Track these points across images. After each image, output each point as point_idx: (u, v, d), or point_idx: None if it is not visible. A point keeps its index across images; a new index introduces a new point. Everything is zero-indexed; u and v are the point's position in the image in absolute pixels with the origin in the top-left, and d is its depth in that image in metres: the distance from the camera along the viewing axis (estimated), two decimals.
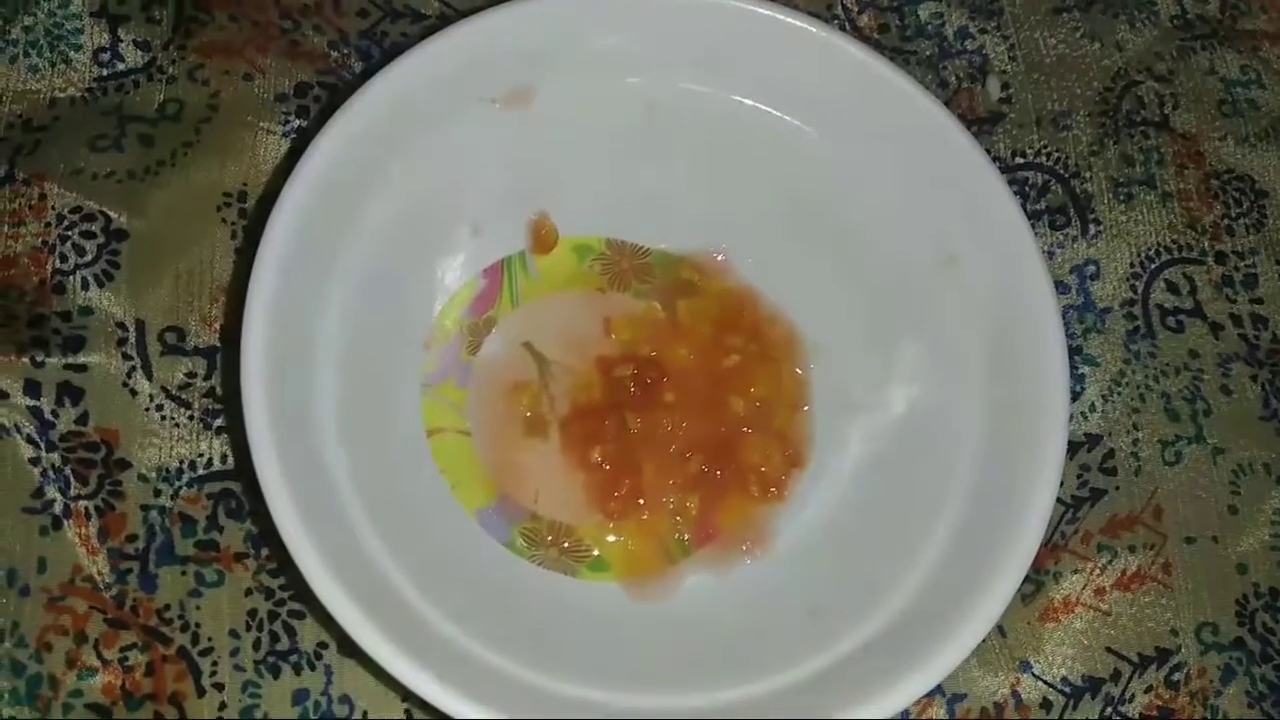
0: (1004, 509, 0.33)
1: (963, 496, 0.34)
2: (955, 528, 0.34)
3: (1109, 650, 0.37)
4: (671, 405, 0.38)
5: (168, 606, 0.34)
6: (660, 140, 0.38)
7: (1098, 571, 0.38)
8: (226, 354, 0.37)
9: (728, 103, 0.37)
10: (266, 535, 0.35)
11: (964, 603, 0.32)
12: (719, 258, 0.39)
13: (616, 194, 0.39)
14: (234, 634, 0.34)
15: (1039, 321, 0.34)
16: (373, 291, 0.35)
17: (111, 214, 0.38)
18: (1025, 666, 0.37)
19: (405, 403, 0.36)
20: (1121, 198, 0.43)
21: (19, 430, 0.35)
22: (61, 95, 0.40)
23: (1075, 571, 0.38)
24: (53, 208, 0.38)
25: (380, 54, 0.41)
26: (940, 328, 0.36)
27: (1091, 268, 0.42)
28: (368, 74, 0.40)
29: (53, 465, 0.35)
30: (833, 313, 0.38)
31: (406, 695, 0.35)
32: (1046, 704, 0.37)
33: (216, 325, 0.37)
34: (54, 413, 0.35)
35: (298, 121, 0.40)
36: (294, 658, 0.34)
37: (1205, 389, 0.41)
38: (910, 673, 0.31)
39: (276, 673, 0.34)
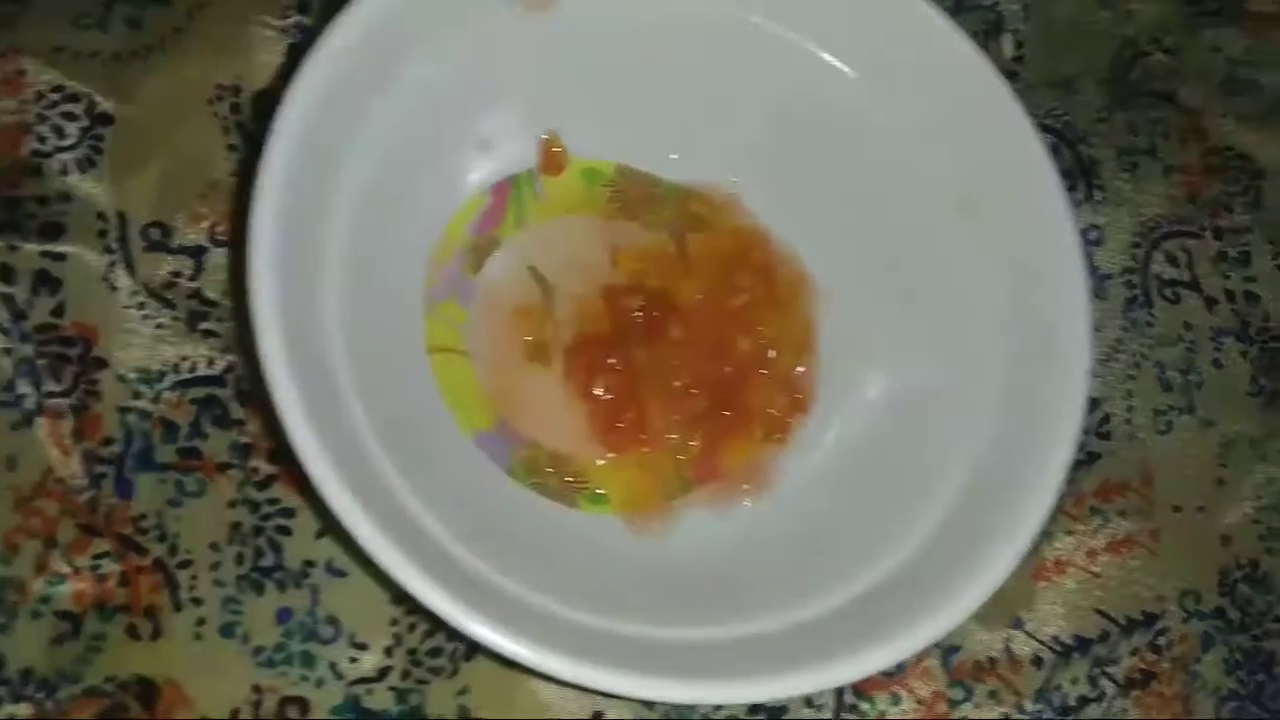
0: (1019, 464, 0.34)
1: (975, 450, 0.35)
2: (966, 480, 0.34)
3: (1098, 612, 0.39)
4: (678, 341, 0.38)
5: (144, 515, 0.34)
6: (683, 63, 0.38)
7: (1090, 534, 0.40)
8: (216, 254, 0.36)
9: (758, 30, 0.37)
10: (257, 448, 0.35)
11: (975, 555, 0.33)
12: (731, 193, 0.40)
13: (631, 118, 0.39)
14: (215, 547, 0.34)
15: (1062, 272, 0.35)
16: (377, 198, 0.34)
17: (96, 97, 0.36)
18: (1018, 623, 0.38)
19: (407, 317, 0.36)
20: (1126, 166, 0.44)
21: None
22: None
23: (1068, 533, 0.40)
24: (31, 84, 0.36)
25: None
26: (957, 277, 0.37)
27: (1094, 233, 0.43)
28: None
29: (25, 358, 0.34)
30: (846, 257, 0.39)
31: (395, 619, 0.34)
32: (1038, 661, 0.38)
33: (205, 224, 0.36)
34: (28, 302, 0.34)
35: (297, 17, 0.39)
36: (278, 575, 0.34)
37: (1198, 361, 0.43)
38: (916, 622, 0.32)
39: (260, 589, 0.34)
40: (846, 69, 0.37)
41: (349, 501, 0.29)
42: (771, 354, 0.38)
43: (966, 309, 0.37)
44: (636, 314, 0.38)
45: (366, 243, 0.34)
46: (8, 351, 0.34)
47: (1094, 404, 0.41)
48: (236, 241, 0.36)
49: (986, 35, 0.45)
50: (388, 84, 0.34)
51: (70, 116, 0.36)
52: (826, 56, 0.37)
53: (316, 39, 0.32)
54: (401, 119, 0.35)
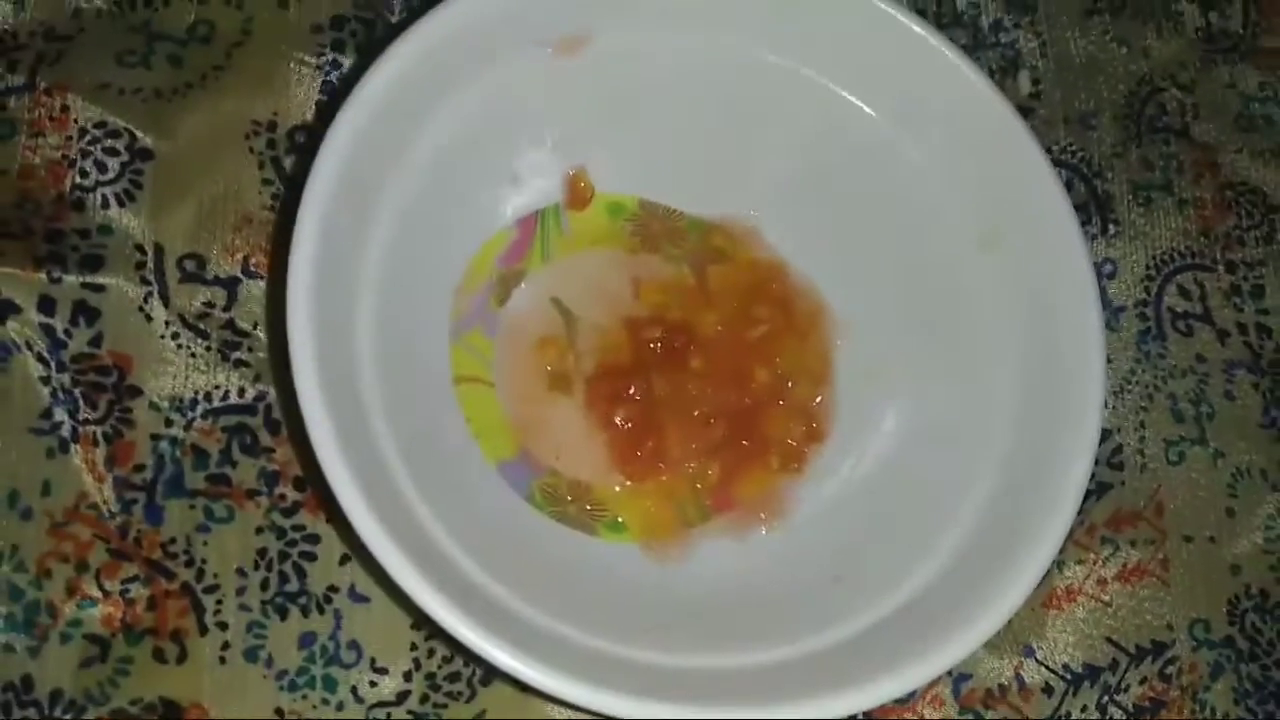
0: (1033, 495, 0.31)
1: (990, 480, 0.32)
2: (981, 510, 0.32)
3: (1108, 640, 0.36)
4: (697, 371, 0.35)
5: (173, 540, 0.32)
6: (706, 102, 0.36)
7: (1100, 563, 0.37)
8: (249, 285, 0.34)
9: (781, 70, 0.35)
10: (285, 475, 0.33)
11: (989, 585, 0.30)
12: (751, 226, 0.37)
13: (655, 154, 0.36)
14: (241, 572, 0.32)
15: (1077, 306, 0.33)
16: (409, 232, 0.32)
17: (137, 132, 0.35)
18: (1029, 651, 0.35)
19: (434, 347, 0.33)
20: (1140, 201, 0.41)
21: (30, 347, 0.32)
22: (86, 6, 0.36)
23: (1079, 562, 0.37)
24: (75, 121, 0.34)
25: None
26: (974, 310, 0.34)
27: (1109, 266, 0.40)
28: (410, 10, 0.38)
29: (62, 386, 0.32)
30: (864, 289, 0.36)
31: (414, 644, 0.32)
32: (1048, 689, 0.35)
33: (239, 256, 0.34)
34: (67, 332, 0.32)
35: (333, 54, 0.37)
36: (302, 600, 0.32)
37: (1210, 393, 0.40)
38: (930, 650, 0.29)
39: (284, 614, 0.32)
40: (867, 108, 0.35)
41: (376, 529, 0.27)
42: (789, 384, 0.36)
43: (983, 341, 0.34)
44: (657, 345, 0.36)
45: (398, 276, 0.32)
46: (45, 380, 0.32)
47: (1106, 434, 0.38)
48: (270, 273, 0.34)
49: (1004, 72, 0.42)
50: (424, 122, 0.32)
51: (112, 152, 0.34)
52: (848, 96, 0.35)
53: (357, 80, 0.30)
54: (435, 156, 0.33)
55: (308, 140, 0.36)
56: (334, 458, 0.27)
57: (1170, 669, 0.36)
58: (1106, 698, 0.36)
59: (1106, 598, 0.37)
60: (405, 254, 0.32)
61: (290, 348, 0.27)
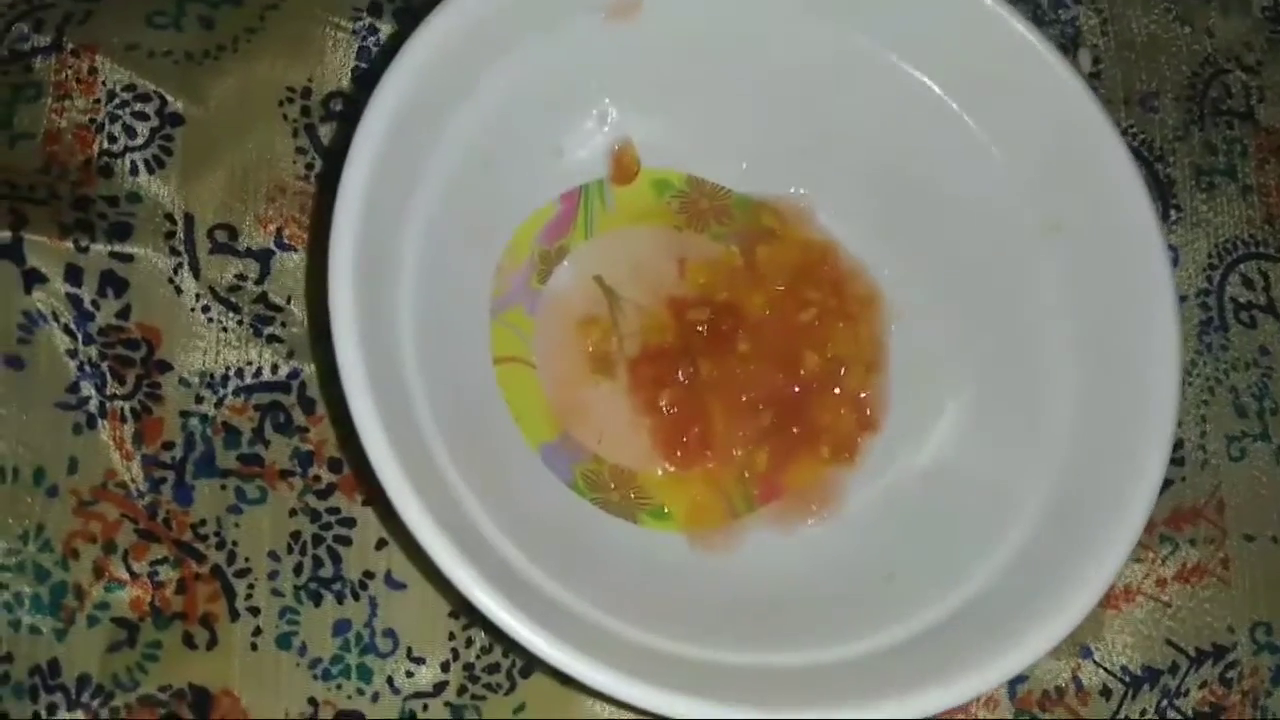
0: (1099, 498, 0.30)
1: (1053, 479, 0.31)
2: (1042, 512, 0.31)
3: (1168, 642, 0.35)
4: (745, 355, 0.34)
5: (203, 521, 0.31)
6: (759, 76, 0.34)
7: (1159, 562, 0.36)
8: (282, 258, 0.33)
9: (842, 44, 0.33)
10: (319, 455, 0.32)
11: (1051, 591, 0.29)
12: (802, 205, 0.36)
13: (704, 128, 0.35)
14: (274, 556, 0.31)
15: (1151, 297, 0.31)
16: (451, 206, 0.31)
17: (168, 96, 0.33)
18: (1086, 652, 0.34)
19: (475, 326, 0.32)
20: (1203, 186, 0.40)
21: (57, 318, 0.31)
22: None
23: (1138, 560, 0.35)
24: (103, 83, 0.33)
25: None
26: (1037, 299, 0.33)
27: (1170, 254, 0.39)
28: None
29: (89, 359, 0.31)
30: (920, 273, 0.35)
31: (453, 633, 0.31)
32: (1106, 691, 0.34)
33: (272, 227, 0.33)
34: (94, 303, 0.31)
35: (369, 19, 0.36)
36: (337, 586, 0.31)
37: (1273, 387, 0.38)
38: (989, 659, 0.28)
39: (318, 600, 0.31)
40: (932, 84, 0.33)
41: (420, 512, 0.26)
42: (841, 371, 0.35)
43: (1046, 332, 0.33)
44: (703, 327, 0.34)
45: (439, 251, 0.31)
46: (72, 353, 0.31)
47: None
48: (310, 247, 0.33)
49: (1064, 50, 0.40)
50: (469, 91, 0.31)
51: (141, 116, 0.33)
52: (912, 71, 0.33)
53: (397, 48, 0.29)
54: (480, 126, 0.32)
55: (344, 108, 0.35)
56: (377, 436, 0.26)
57: (1231, 673, 0.35)
58: (1166, 701, 0.34)
59: (1166, 598, 0.35)
60: (446, 228, 0.31)
61: (332, 324, 0.26)
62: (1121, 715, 0.34)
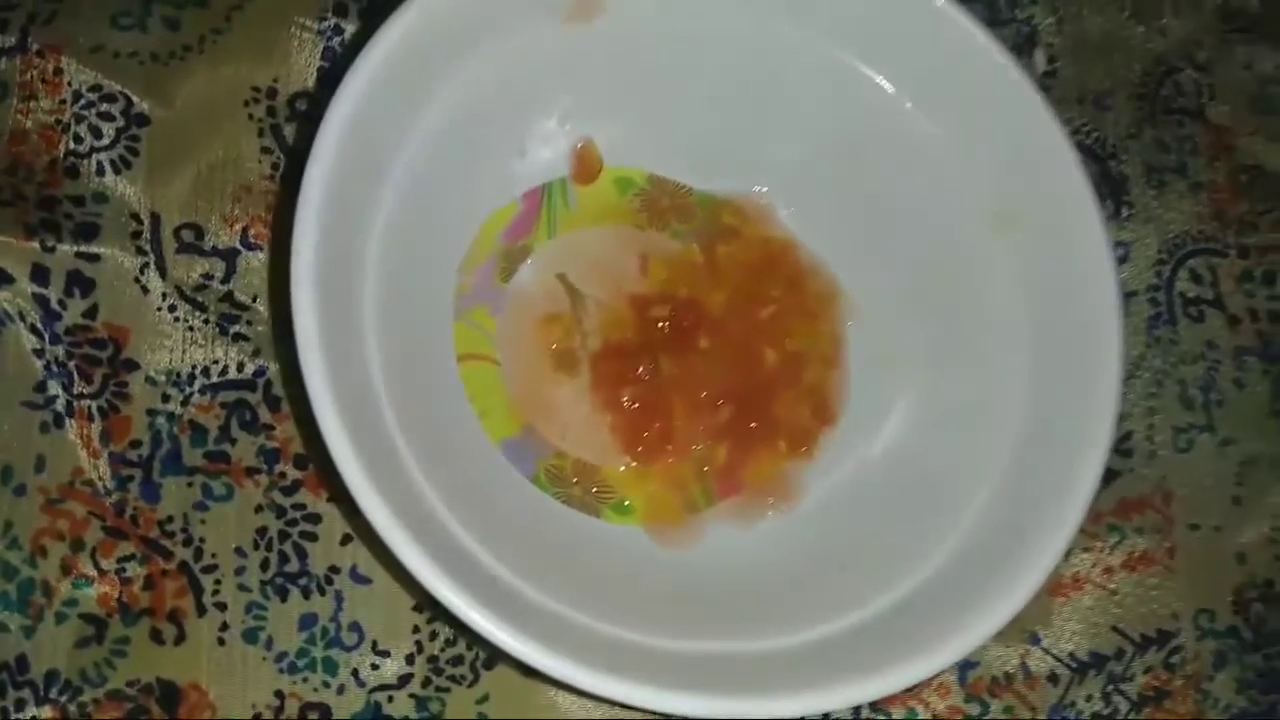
0: (1045, 484, 0.31)
1: (1001, 468, 0.32)
2: (991, 499, 0.31)
3: (1114, 629, 0.36)
4: (705, 351, 0.35)
5: (170, 519, 0.31)
6: (719, 75, 0.35)
7: (1107, 550, 0.37)
8: (248, 257, 0.33)
9: (797, 44, 0.34)
10: (285, 453, 0.32)
11: (999, 575, 0.30)
12: (762, 203, 0.36)
13: (665, 127, 0.36)
14: (240, 552, 0.31)
15: (1094, 291, 0.32)
16: (413, 205, 0.31)
17: (133, 97, 0.34)
18: (1035, 639, 0.35)
19: (438, 324, 0.33)
20: (1154, 183, 0.41)
21: (23, 318, 0.31)
22: None
23: (1086, 549, 0.36)
24: (69, 84, 0.33)
25: None
26: (989, 293, 0.34)
27: (1121, 250, 0.40)
28: None
29: (56, 359, 0.31)
30: (876, 270, 0.35)
31: (417, 627, 0.32)
32: (1054, 677, 0.35)
33: (238, 226, 0.33)
34: (61, 303, 0.31)
35: (335, 20, 0.36)
36: (303, 581, 0.31)
37: (1220, 380, 0.39)
38: (940, 641, 0.29)
39: (284, 595, 0.31)
40: (886, 84, 0.34)
41: (381, 508, 0.27)
42: (799, 366, 0.35)
43: (997, 325, 0.33)
44: (664, 323, 0.35)
45: (401, 250, 0.31)
46: (39, 353, 0.31)
47: (1116, 420, 0.38)
48: (271, 246, 0.33)
49: (1019, 49, 0.41)
50: (430, 91, 0.31)
51: (107, 117, 0.33)
52: (866, 70, 0.34)
53: (362, 46, 0.29)
54: (442, 125, 0.32)
55: (309, 108, 0.35)
56: (338, 434, 0.27)
57: (1175, 658, 0.36)
58: (1112, 686, 0.35)
59: (1113, 586, 0.36)
60: (409, 227, 0.31)
61: (294, 322, 0.27)
62: (1068, 700, 0.35)
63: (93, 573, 0.30)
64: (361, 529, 0.31)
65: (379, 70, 0.29)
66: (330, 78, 0.35)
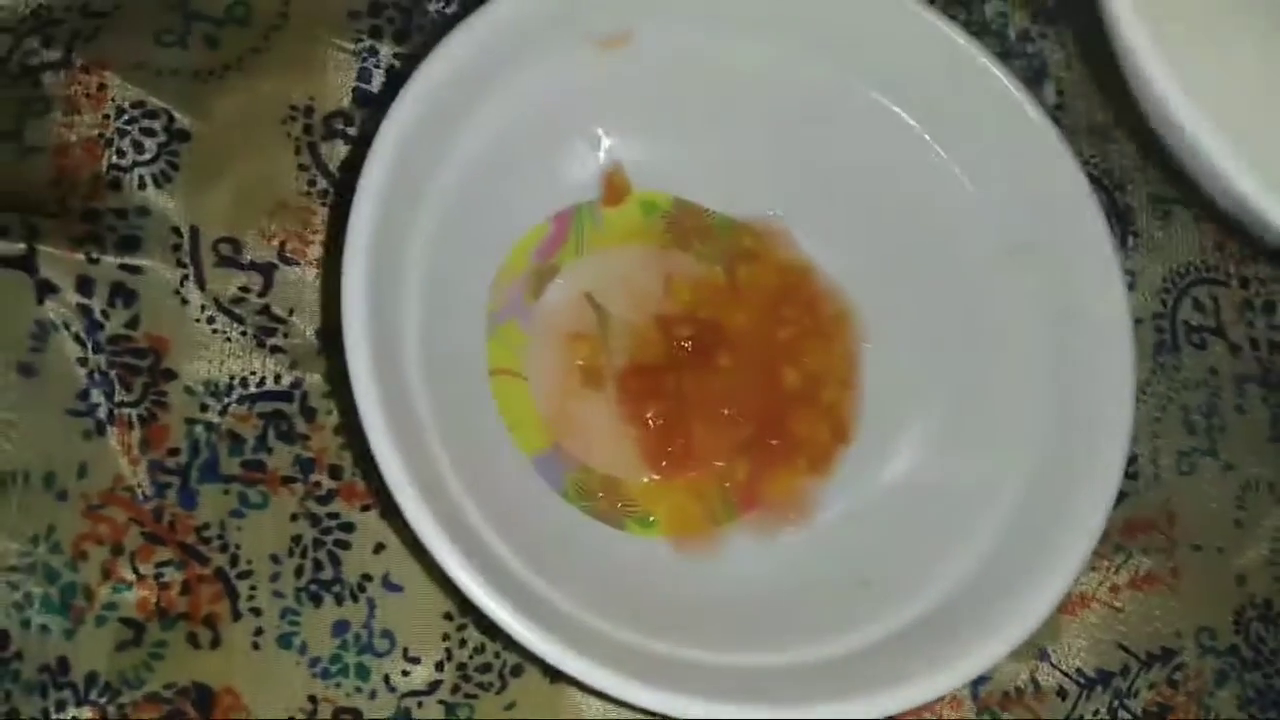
0: (1060, 505, 0.32)
1: (1016, 491, 0.33)
2: (1009, 520, 0.32)
3: (1119, 646, 0.37)
4: (727, 370, 0.36)
5: (207, 525, 0.31)
6: (743, 103, 0.36)
7: (1113, 570, 0.37)
8: (285, 271, 0.34)
9: (817, 75, 0.35)
10: (320, 463, 0.32)
11: (1015, 594, 0.31)
12: (781, 227, 0.37)
13: (690, 152, 0.36)
14: (275, 559, 0.32)
15: (1107, 319, 0.33)
16: (452, 224, 0.32)
17: (175, 113, 0.34)
18: (1044, 655, 0.36)
19: (472, 340, 0.33)
20: (1159, 214, 0.42)
21: (68, 327, 0.31)
22: None
23: (1093, 568, 0.37)
24: (113, 99, 0.34)
25: None
26: (1003, 319, 0.35)
27: (1128, 279, 0.40)
28: None
29: (99, 368, 0.31)
30: (892, 294, 0.36)
31: (447, 634, 0.32)
32: (1062, 692, 0.36)
33: (275, 241, 0.34)
34: (104, 313, 0.32)
35: (370, 41, 0.36)
36: (336, 588, 0.32)
37: (1221, 406, 0.40)
38: (957, 658, 0.30)
39: (318, 601, 0.32)
40: (905, 115, 0.35)
41: (424, 516, 0.27)
42: (816, 386, 0.36)
43: (1011, 351, 0.34)
44: (687, 342, 0.36)
45: (440, 267, 0.32)
46: (83, 361, 0.31)
47: None
48: (306, 260, 0.34)
49: (1029, 82, 0.42)
50: (470, 116, 0.32)
51: (149, 132, 0.34)
52: (885, 102, 0.35)
53: (400, 70, 0.30)
54: (480, 149, 0.33)
55: (344, 127, 0.36)
56: (385, 443, 0.27)
57: (1178, 675, 0.37)
58: (1117, 702, 0.36)
59: (1119, 604, 0.37)
60: (447, 246, 0.32)
61: (345, 338, 0.27)
62: (1076, 714, 0.36)
63: (131, 577, 0.30)
64: (398, 536, 0.32)
65: (425, 97, 0.30)
66: (365, 98, 0.36)
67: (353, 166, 0.30)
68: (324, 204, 0.35)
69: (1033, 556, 0.31)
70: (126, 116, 0.34)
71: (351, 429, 0.27)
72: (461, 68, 0.31)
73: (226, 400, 0.32)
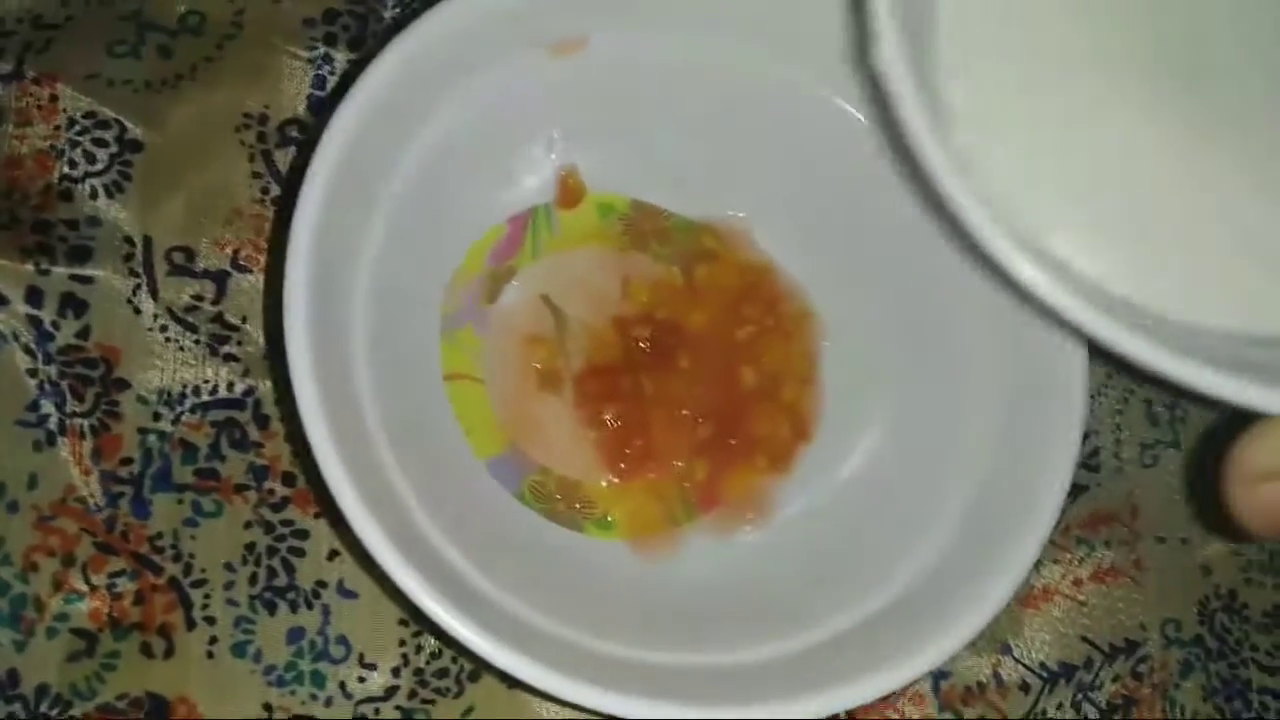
0: (1015, 499, 0.31)
1: (973, 484, 0.32)
2: (963, 513, 0.32)
3: (1083, 639, 0.36)
4: (685, 370, 0.35)
5: (160, 535, 0.31)
6: (699, 105, 0.35)
7: (1076, 563, 0.37)
8: (239, 279, 0.34)
9: (775, 76, 0.35)
10: (273, 470, 0.32)
11: (972, 586, 0.30)
12: (741, 228, 0.37)
13: (647, 154, 0.36)
14: (229, 567, 0.31)
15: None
16: (403, 228, 0.32)
17: (127, 123, 0.34)
18: (1006, 649, 0.36)
19: (426, 344, 0.33)
20: None
21: (17, 338, 0.31)
22: None
23: (1055, 561, 0.37)
24: (64, 110, 0.34)
25: None
26: (960, 316, 0.34)
27: None
28: (403, 5, 0.37)
29: (49, 378, 0.31)
30: (851, 293, 0.36)
31: (403, 640, 0.32)
32: (1025, 686, 0.35)
33: (229, 249, 0.34)
34: (54, 324, 0.32)
35: (324, 49, 0.36)
36: (291, 595, 0.31)
37: (1184, 398, 0.40)
38: (914, 650, 0.29)
39: (272, 609, 0.31)
40: (860, 116, 0.35)
41: (370, 524, 0.27)
42: (775, 385, 0.36)
43: (968, 348, 0.34)
44: (645, 343, 0.35)
45: (391, 272, 0.31)
46: (33, 372, 0.31)
47: (1084, 437, 0.38)
48: (267, 269, 0.34)
49: None
50: (422, 119, 0.32)
51: (101, 143, 0.34)
52: (841, 103, 0.35)
53: (353, 75, 0.30)
54: (432, 152, 0.32)
55: (299, 134, 0.35)
56: (329, 452, 0.27)
57: (1142, 667, 0.37)
58: (1081, 695, 0.36)
59: (1082, 597, 0.37)
60: (399, 250, 0.32)
61: (286, 344, 0.27)
62: (1039, 709, 0.35)
63: (84, 588, 0.30)
64: (349, 544, 0.32)
65: (372, 100, 0.29)
66: (320, 105, 0.36)
67: (303, 171, 0.30)
68: (278, 212, 0.34)
69: (990, 547, 0.31)
70: (78, 127, 0.34)
71: (299, 437, 0.27)
72: (412, 70, 0.30)
73: (179, 409, 0.32)
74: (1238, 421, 0.24)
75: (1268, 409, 0.22)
